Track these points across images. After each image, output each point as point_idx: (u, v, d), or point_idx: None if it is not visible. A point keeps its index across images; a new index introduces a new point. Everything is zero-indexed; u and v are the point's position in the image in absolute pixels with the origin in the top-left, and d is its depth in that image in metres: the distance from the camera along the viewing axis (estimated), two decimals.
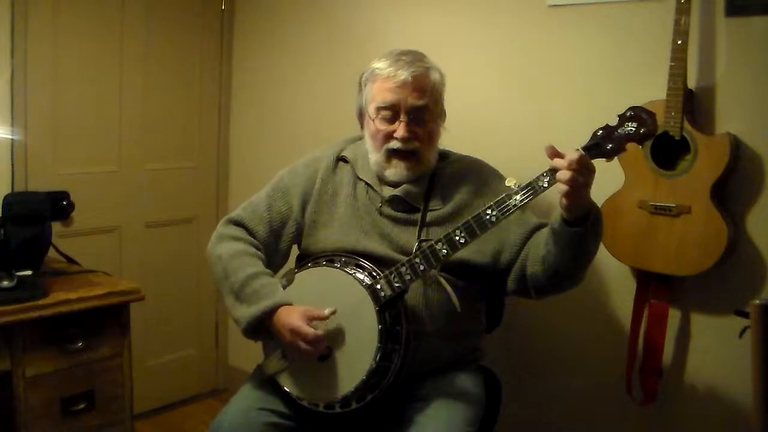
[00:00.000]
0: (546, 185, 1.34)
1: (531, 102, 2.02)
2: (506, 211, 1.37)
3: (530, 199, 1.36)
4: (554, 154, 1.32)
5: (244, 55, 2.90)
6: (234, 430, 1.50)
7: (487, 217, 1.38)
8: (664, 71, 1.61)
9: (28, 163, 2.33)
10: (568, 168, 1.28)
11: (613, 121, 1.32)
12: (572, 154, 1.30)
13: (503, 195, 1.37)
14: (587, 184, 1.31)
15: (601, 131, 1.33)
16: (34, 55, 2.31)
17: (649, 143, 1.66)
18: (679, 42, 1.59)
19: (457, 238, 1.41)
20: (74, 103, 2.45)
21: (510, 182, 1.38)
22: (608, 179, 1.75)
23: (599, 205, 1.73)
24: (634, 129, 1.30)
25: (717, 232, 1.59)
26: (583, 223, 1.36)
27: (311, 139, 2.53)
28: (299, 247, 1.73)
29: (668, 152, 1.67)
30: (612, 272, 1.87)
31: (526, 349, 2.08)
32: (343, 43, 2.50)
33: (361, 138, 1.71)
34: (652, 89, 1.66)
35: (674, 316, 1.79)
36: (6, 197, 1.87)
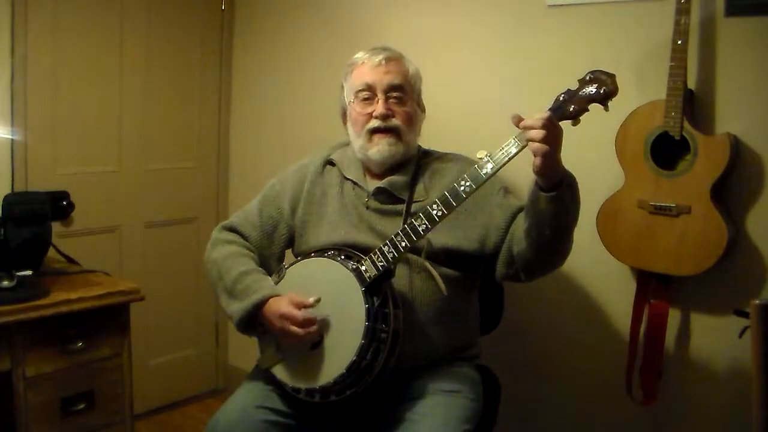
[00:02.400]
0: (514, 150, 1.35)
1: (530, 102, 1.99)
2: (479, 180, 1.39)
3: (501, 167, 1.37)
4: (520, 119, 1.33)
5: (244, 55, 2.90)
6: (231, 428, 1.50)
7: (461, 188, 1.40)
8: (664, 71, 1.61)
9: (28, 163, 2.33)
10: (538, 126, 1.30)
11: (575, 86, 1.34)
12: (538, 114, 1.31)
13: (474, 166, 1.40)
14: (557, 145, 1.32)
15: (563, 95, 1.35)
16: (34, 55, 2.31)
17: (650, 144, 1.67)
18: (679, 42, 1.59)
19: (434, 211, 1.43)
20: (74, 103, 2.45)
21: (481, 154, 1.39)
22: (608, 179, 1.76)
23: (599, 206, 1.75)
24: (594, 90, 1.32)
25: (717, 232, 1.59)
26: (558, 188, 1.37)
27: (311, 138, 2.53)
28: (293, 251, 1.75)
29: (668, 152, 1.66)
30: (612, 272, 1.87)
31: (526, 348, 2.08)
32: (343, 43, 2.49)
33: (347, 143, 1.74)
34: (652, 89, 1.66)
35: (674, 316, 1.79)
36: (6, 197, 1.87)
